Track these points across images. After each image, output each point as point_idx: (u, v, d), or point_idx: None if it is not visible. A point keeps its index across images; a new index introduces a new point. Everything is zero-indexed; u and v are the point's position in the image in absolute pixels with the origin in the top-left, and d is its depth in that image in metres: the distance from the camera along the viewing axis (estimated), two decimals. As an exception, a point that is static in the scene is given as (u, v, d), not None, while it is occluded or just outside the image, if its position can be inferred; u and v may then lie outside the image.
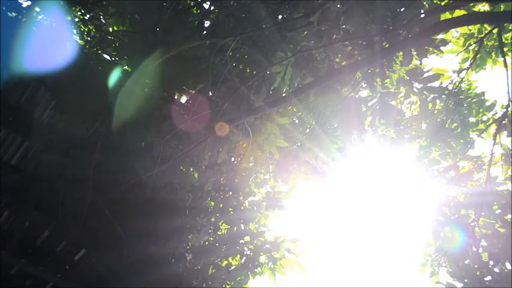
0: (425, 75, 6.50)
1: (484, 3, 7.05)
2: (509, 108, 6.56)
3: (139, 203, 6.20)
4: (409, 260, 6.91)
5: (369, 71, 5.91)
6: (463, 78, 7.35)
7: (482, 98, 7.30)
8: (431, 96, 6.88)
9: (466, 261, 5.94)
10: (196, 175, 7.24)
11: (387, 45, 5.19)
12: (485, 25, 7.38)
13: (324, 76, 5.63)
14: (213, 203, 7.44)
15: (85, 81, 6.34)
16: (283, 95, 6.76)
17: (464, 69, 7.25)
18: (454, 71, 7.35)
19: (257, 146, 7.01)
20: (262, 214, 7.61)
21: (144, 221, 6.29)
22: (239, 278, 7.18)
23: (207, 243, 7.30)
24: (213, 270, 7.01)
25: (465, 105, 7.23)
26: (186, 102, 7.30)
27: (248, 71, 7.01)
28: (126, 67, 7.28)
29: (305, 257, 7.54)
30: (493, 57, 7.63)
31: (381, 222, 7.83)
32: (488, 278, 5.63)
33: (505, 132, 6.61)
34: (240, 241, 7.43)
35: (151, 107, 6.48)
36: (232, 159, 7.76)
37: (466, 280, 5.64)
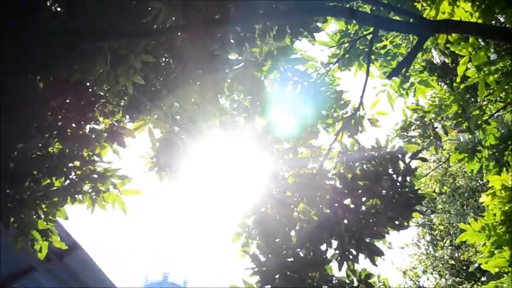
0: (294, 56, 6.65)
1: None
2: (358, 112, 6.93)
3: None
4: (228, 227, 7.02)
5: (241, 34, 5.91)
6: (329, 72, 7.62)
7: (339, 96, 7.61)
8: (295, 78, 7.05)
9: (277, 240, 6.17)
10: (41, 84, 6.85)
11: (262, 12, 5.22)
12: (362, 29, 7.70)
13: (195, 25, 5.56)
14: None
15: None
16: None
17: (332, 63, 7.52)
18: (322, 63, 7.60)
19: (113, 75, 6.77)
20: (100, 144, 7.36)
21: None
22: (57, 199, 6.93)
23: (33, 156, 6.94)
24: (31, 184, 6.70)
25: (322, 97, 7.50)
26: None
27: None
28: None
29: (130, 198, 7.46)
30: (360, 61, 7.98)
31: (214, 184, 7.90)
32: (291, 259, 5.90)
33: (348, 133, 6.97)
34: (69, 164, 7.15)
35: None
36: (88, 84, 7.43)
37: (270, 256, 5.86)
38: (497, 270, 7.57)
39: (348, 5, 6.59)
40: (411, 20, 5.60)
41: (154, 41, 6.69)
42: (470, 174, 18.16)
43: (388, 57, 8.17)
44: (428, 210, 21.28)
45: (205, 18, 5.63)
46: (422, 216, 20.88)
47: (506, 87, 7.83)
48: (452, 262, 20.18)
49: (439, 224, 21.11)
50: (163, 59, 7.46)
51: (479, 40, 7.59)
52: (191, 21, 5.70)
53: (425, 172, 19.99)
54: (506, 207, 7.54)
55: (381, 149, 6.57)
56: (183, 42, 6.17)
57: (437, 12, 7.13)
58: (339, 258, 5.76)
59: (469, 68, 7.94)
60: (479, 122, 9.41)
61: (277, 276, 5.68)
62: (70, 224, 8.99)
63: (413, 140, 10.88)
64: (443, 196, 20.37)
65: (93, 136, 7.31)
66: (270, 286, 5.67)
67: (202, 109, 7.16)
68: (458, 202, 19.88)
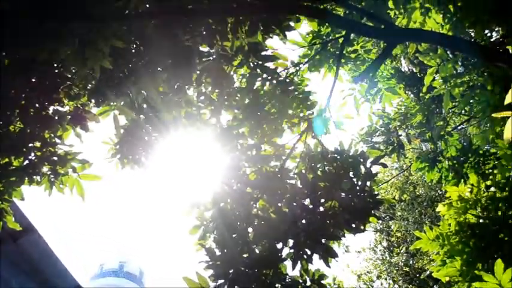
0: (265, 53, 6.64)
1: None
2: (324, 114, 6.97)
3: None
4: (187, 219, 6.98)
5: (213, 26, 5.89)
6: (298, 72, 7.64)
7: (307, 96, 7.62)
8: (264, 76, 7.04)
9: (234, 235, 6.17)
10: (6, 61, 6.70)
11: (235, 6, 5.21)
12: (334, 32, 7.74)
13: (167, 13, 5.53)
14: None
15: None
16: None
17: (302, 63, 7.54)
18: (292, 62, 7.60)
19: (81, 58, 6.66)
20: (63, 126, 7.24)
21: None
22: (14, 178, 6.80)
23: (-8, 134, 6.80)
24: (-12, 162, 6.57)
25: (290, 97, 7.51)
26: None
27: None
28: None
29: (90, 183, 7.36)
30: (330, 64, 8.02)
31: (176, 175, 7.86)
32: (246, 255, 5.90)
33: (313, 134, 7.01)
34: (29, 144, 7.02)
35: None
36: (55, 64, 7.29)
37: (225, 250, 5.85)
38: (447, 279, 7.70)
39: (321, 6, 6.63)
40: (382, 26, 5.65)
41: (125, 26, 6.60)
42: (430, 184, 18.49)
43: (358, 62, 8.22)
44: (387, 217, 21.58)
45: (178, 7, 5.59)
46: (380, 221, 21.18)
47: (470, 100, 7.97)
48: (407, 269, 20.47)
49: (396, 230, 21.40)
50: (134, 45, 7.37)
51: (448, 52, 7.72)
52: (164, 9, 5.66)
53: (387, 179, 20.30)
54: (461, 218, 7.67)
55: (343, 152, 6.61)
56: (154, 29, 6.11)
57: (409, 21, 7.24)
58: (293, 257, 5.78)
59: (436, 79, 8.06)
60: (442, 133, 9.58)
61: (230, 271, 5.68)
62: (26, 205, 8.85)
63: (377, 145, 11.01)
64: (402, 203, 20.67)
65: (56, 118, 7.18)
66: (223, 280, 5.66)
67: (169, 99, 7.10)
68: (416, 210, 20.19)
